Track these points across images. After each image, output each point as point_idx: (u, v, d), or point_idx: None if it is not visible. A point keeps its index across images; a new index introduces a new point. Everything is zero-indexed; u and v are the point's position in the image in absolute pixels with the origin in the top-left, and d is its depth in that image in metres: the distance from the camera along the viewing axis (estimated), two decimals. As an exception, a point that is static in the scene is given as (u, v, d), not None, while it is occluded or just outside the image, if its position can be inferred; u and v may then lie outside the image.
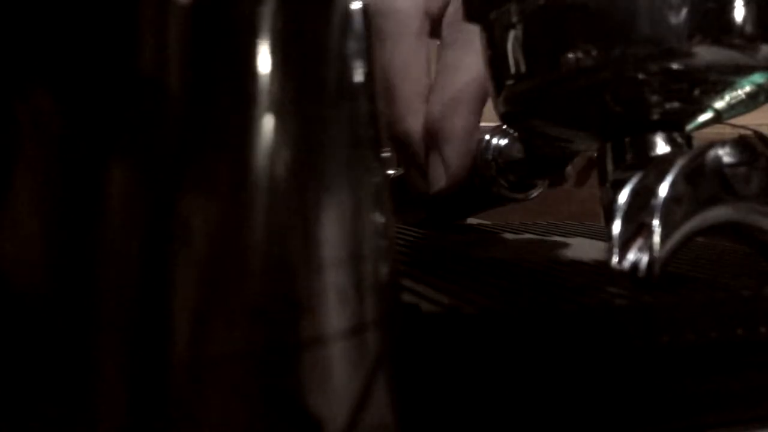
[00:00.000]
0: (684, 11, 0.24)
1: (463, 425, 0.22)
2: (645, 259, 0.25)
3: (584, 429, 0.24)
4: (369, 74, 0.17)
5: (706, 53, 0.25)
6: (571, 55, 0.25)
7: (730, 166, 0.24)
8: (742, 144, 0.24)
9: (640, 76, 0.25)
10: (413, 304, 0.23)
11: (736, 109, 0.28)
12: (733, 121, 0.28)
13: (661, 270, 0.25)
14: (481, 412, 0.23)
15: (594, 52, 0.25)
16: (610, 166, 0.28)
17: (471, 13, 0.30)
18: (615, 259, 0.25)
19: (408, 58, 0.45)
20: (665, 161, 0.25)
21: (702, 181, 0.24)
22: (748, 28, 0.25)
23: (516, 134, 0.42)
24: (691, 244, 0.43)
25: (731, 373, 0.26)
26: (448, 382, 0.22)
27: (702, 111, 0.28)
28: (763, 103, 0.28)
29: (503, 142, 0.42)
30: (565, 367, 0.24)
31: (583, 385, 0.24)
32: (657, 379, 0.25)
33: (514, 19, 0.27)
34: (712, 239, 0.48)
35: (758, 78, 0.26)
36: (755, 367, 0.26)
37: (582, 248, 0.39)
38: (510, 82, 0.28)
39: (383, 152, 0.18)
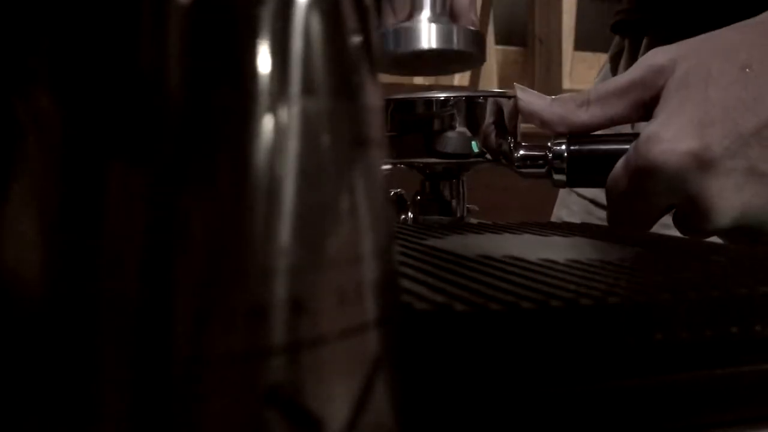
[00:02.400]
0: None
1: (456, 423, 0.22)
2: None
3: (577, 428, 0.24)
4: (369, 72, 0.17)
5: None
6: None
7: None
8: None
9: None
10: (406, 302, 0.23)
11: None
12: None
13: None
14: (473, 411, 0.23)
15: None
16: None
17: None
18: None
19: None
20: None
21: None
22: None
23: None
24: (686, 243, 0.43)
25: (725, 371, 0.26)
26: (439, 380, 0.22)
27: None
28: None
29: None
30: (559, 365, 0.24)
31: (576, 383, 0.24)
32: (650, 377, 0.25)
33: None
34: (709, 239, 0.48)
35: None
36: (750, 365, 0.26)
37: (580, 248, 0.39)
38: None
39: (383, 150, 0.18)
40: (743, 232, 0.45)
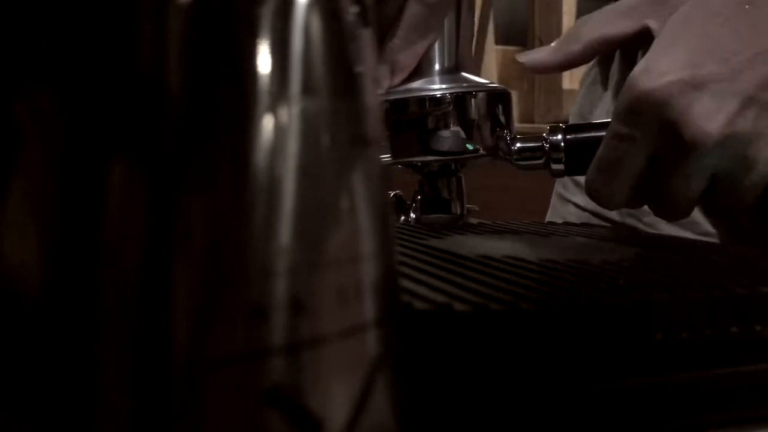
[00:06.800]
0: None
1: (456, 423, 0.22)
2: None
3: (577, 428, 0.24)
4: (368, 71, 0.17)
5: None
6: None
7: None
8: None
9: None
10: (406, 302, 0.23)
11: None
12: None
13: None
14: (473, 411, 0.23)
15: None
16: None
17: None
18: None
19: None
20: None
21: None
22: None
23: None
24: (686, 243, 0.43)
25: (725, 371, 0.26)
26: (439, 380, 0.22)
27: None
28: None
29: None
30: (559, 365, 0.24)
31: (576, 383, 0.24)
32: (650, 377, 0.25)
33: None
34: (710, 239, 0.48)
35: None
36: (750, 365, 0.26)
37: (580, 248, 0.39)
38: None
39: (382, 150, 0.18)
40: (725, 179, 0.44)
